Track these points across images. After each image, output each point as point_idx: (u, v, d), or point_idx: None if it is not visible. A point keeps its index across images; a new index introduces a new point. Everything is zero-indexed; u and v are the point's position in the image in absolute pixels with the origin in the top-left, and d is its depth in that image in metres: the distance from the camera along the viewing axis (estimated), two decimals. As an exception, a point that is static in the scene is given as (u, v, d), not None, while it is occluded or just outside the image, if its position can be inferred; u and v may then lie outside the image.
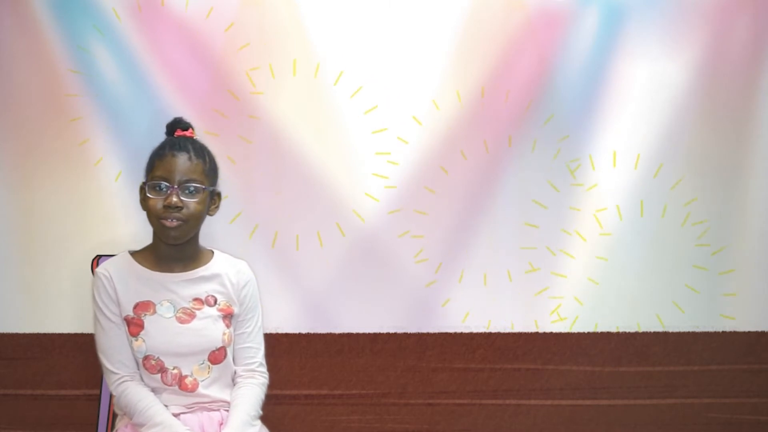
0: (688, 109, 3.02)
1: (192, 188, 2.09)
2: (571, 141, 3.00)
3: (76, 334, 2.87)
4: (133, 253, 2.19)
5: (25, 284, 2.88)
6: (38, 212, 2.87)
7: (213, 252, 2.25)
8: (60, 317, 2.88)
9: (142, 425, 2.07)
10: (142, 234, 2.82)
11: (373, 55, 2.95)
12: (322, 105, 2.94)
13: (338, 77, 2.94)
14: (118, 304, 2.11)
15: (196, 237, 2.19)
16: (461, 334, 3.00)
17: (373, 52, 2.95)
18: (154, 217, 2.10)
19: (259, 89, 2.92)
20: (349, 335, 2.97)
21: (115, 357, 2.12)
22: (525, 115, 2.99)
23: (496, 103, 2.98)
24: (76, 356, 2.87)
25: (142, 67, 2.87)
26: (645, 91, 3.00)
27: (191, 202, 2.09)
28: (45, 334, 2.88)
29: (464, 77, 2.97)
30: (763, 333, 3.07)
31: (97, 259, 2.54)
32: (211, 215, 2.20)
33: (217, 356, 2.15)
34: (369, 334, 2.98)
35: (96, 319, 2.14)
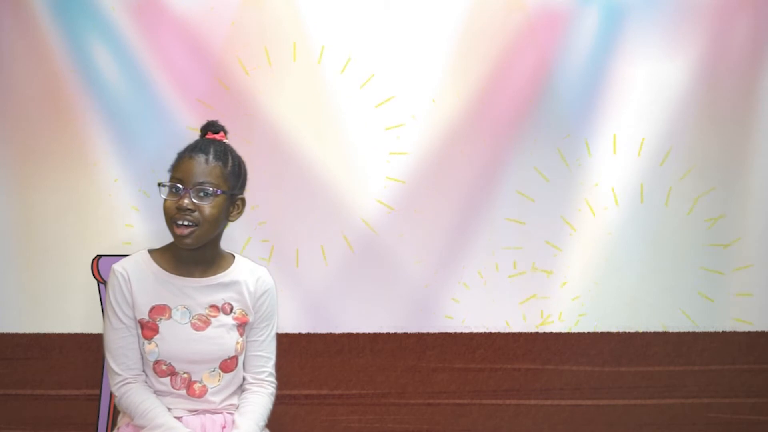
0: (689, 109, 3.02)
1: (206, 191, 2.06)
2: (571, 141, 3.00)
3: (76, 334, 2.87)
4: (152, 253, 2.16)
5: (25, 284, 2.87)
6: (38, 212, 2.86)
7: (234, 256, 2.22)
8: (60, 317, 2.87)
9: (143, 427, 2.06)
10: (142, 234, 2.84)
11: (373, 55, 2.95)
12: (323, 103, 2.94)
13: (340, 72, 2.94)
14: (132, 306, 2.10)
15: (216, 241, 2.16)
16: (461, 334, 3.00)
17: (373, 52, 2.95)
18: (168, 219, 2.07)
19: (258, 89, 2.92)
20: (349, 335, 2.97)
21: (121, 359, 2.10)
22: (525, 116, 2.99)
23: (496, 103, 2.98)
24: (76, 356, 2.87)
25: (142, 66, 2.87)
26: (645, 91, 3.00)
27: (205, 206, 2.05)
28: (45, 334, 2.88)
29: (464, 77, 2.97)
30: (763, 333, 3.07)
31: (97, 259, 2.54)
32: (231, 221, 2.16)
33: (228, 365, 2.15)
34: (369, 334, 2.98)
35: (107, 316, 2.12)
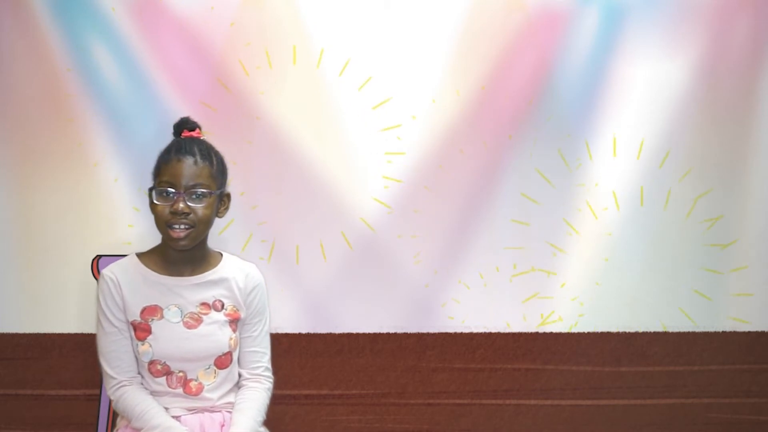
0: (689, 109, 3.02)
1: (199, 193, 2.06)
2: (571, 141, 3.00)
3: (76, 334, 2.87)
4: (140, 256, 2.16)
5: (25, 284, 2.87)
6: (38, 212, 2.87)
7: (222, 254, 2.22)
8: (60, 317, 2.87)
9: (140, 429, 2.07)
10: (142, 234, 2.84)
11: (372, 56, 2.95)
12: (323, 103, 2.94)
13: (340, 72, 2.94)
14: (123, 309, 2.10)
15: (204, 240, 2.17)
16: (461, 334, 3.00)
17: (373, 52, 2.95)
18: (162, 224, 2.07)
19: (258, 90, 2.92)
20: (349, 335, 2.97)
21: (115, 362, 2.10)
22: (525, 116, 2.99)
23: (496, 103, 2.98)
24: (76, 356, 2.87)
25: (141, 66, 2.87)
26: (645, 91, 3.00)
27: (199, 208, 2.06)
28: (45, 334, 2.88)
29: (464, 77, 2.97)
30: (763, 333, 3.07)
31: (97, 260, 2.54)
32: (220, 217, 2.17)
33: (223, 361, 2.15)
34: (369, 334, 2.98)
35: (98, 321, 2.13)
